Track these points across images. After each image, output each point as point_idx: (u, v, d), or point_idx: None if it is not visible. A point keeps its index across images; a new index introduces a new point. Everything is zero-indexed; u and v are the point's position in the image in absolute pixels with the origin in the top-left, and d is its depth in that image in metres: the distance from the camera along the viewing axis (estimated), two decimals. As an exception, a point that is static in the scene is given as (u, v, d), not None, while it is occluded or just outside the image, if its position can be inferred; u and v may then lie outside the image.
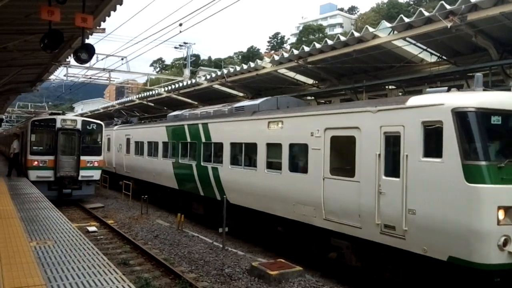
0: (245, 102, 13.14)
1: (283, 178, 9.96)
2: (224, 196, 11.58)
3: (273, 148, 10.49)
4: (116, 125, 24.54)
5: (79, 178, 17.44)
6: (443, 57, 11.10)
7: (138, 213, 16.09)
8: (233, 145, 12.18)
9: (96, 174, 18.17)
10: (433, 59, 11.30)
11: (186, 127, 14.98)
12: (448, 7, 8.73)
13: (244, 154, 11.65)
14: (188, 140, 14.71)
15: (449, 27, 8.70)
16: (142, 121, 25.39)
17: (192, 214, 15.07)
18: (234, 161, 12.10)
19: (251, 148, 11.35)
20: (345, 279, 9.11)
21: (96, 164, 18.07)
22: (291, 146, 9.85)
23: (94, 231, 12.93)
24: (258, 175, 10.87)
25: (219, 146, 12.82)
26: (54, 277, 5.08)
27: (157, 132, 17.41)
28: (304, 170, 9.34)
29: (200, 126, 13.94)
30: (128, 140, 20.95)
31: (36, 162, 16.79)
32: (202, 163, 13.61)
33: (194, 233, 12.90)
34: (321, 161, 8.75)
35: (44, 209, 9.89)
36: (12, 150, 17.89)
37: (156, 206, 17.68)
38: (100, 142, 18.57)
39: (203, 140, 13.67)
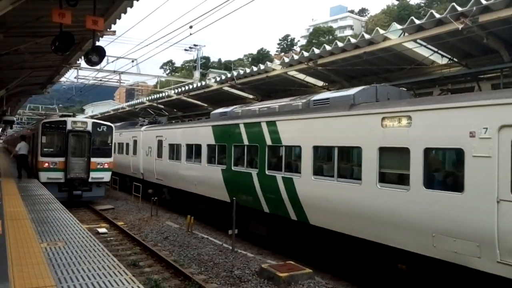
0: (329, 94, 10.17)
1: (412, 197, 7.07)
2: (234, 198, 11.36)
3: (392, 154, 7.74)
4: (142, 125, 22.05)
5: (90, 180, 17.56)
6: (454, 59, 10.98)
7: (148, 215, 16.14)
8: (318, 149, 9.50)
9: (106, 176, 18.28)
10: (444, 61, 11.19)
11: (242, 126, 12.20)
12: (459, 9, 8.62)
13: (338, 161, 8.83)
14: (245, 142, 12.02)
15: (460, 29, 8.59)
16: (173, 121, 22.93)
17: (205, 216, 15.05)
18: (320, 170, 9.39)
19: (351, 153, 8.93)
20: (356, 281, 9.03)
21: (106, 166, 18.18)
22: (428, 151, 7.04)
23: (104, 233, 13.02)
24: (364, 191, 7.98)
25: (295, 151, 10.28)
26: (64, 278, 5.09)
27: (199, 133, 14.75)
28: (456, 187, 6.56)
29: (264, 126, 11.19)
30: (159, 142, 18.23)
31: (46, 164, 16.95)
32: (266, 172, 10.93)
33: (203, 235, 12.89)
34: (492, 175, 6.01)
35: (55, 210, 9.96)
36: (15, 152, 18.00)
37: (166, 208, 17.73)
38: (110, 144, 18.67)
39: (269, 142, 10.96)
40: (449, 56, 11.01)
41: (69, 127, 17.50)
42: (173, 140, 17.00)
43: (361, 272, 9.03)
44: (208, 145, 14.09)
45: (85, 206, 17.84)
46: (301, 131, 9.96)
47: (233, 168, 12.52)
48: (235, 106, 14.31)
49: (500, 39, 9.36)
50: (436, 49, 10.82)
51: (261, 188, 11.16)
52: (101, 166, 17.97)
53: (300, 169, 9.78)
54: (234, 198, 11.43)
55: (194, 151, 15.16)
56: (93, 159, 17.68)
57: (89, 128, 17.91)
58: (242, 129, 12.20)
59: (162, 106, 26.45)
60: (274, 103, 11.99)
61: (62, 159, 17.16)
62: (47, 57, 11.53)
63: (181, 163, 15.97)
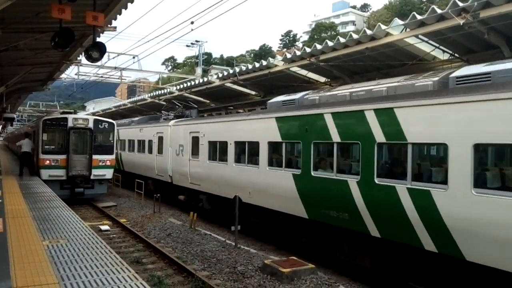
0: (485, 67, 7.27)
1: None
2: (236, 196, 11.17)
3: None
4: (167, 119, 19.33)
5: (92, 177, 17.54)
6: (456, 54, 11.00)
7: (150, 212, 16.13)
8: (485, 149, 6.67)
9: (108, 173, 18.25)
10: (446, 56, 11.19)
11: (328, 117, 9.08)
12: (460, 4, 8.61)
13: None
14: (335, 139, 8.89)
15: (461, 24, 8.58)
16: (204, 114, 20.08)
17: (205, 212, 15.03)
18: (489, 181, 6.37)
19: None
20: (357, 277, 9.03)
21: (108, 163, 18.15)
22: None
23: (107, 230, 13.00)
24: None
25: (434, 151, 7.69)
26: (67, 275, 5.05)
27: (256, 128, 11.71)
28: None
29: (371, 115, 8.13)
30: (195, 139, 15.24)
31: (48, 161, 16.92)
32: (376, 181, 7.92)
33: (206, 231, 12.88)
34: None
35: (56, 208, 9.93)
36: (19, 149, 18.01)
37: (169, 205, 17.71)
38: (112, 141, 18.63)
39: (380, 139, 7.92)
40: (451, 52, 11.01)
41: (70, 124, 17.45)
42: (215, 136, 13.92)
43: (362, 267, 9.01)
44: (270, 143, 11.01)
45: (87, 204, 17.83)
46: (447, 122, 6.79)
47: (313, 173, 9.40)
48: (305, 92, 11.12)
49: (501, 34, 9.34)
50: (437, 45, 10.80)
51: (366, 203, 8.13)
52: (103, 163, 17.93)
53: (447, 178, 6.67)
54: (237, 195, 11.24)
55: (247, 151, 12.09)
56: (95, 156, 17.63)
57: (91, 125, 17.86)
58: (329, 120, 9.06)
59: (164, 103, 26.28)
60: (377, 85, 8.97)
61: (63, 157, 17.13)
62: (47, 53, 11.47)
63: (228, 165, 12.85)
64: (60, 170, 17.00)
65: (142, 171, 20.47)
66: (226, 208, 12.44)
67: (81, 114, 23.43)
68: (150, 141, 19.60)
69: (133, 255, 10.25)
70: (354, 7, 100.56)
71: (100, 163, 17.81)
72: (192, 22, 13.04)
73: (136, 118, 24.58)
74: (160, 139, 18.38)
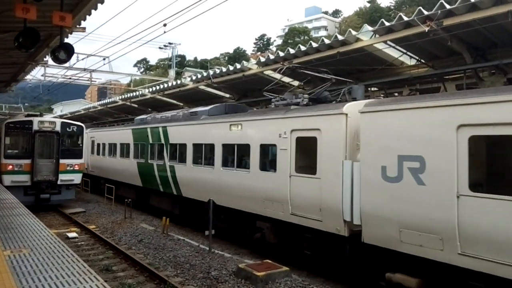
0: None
1: None
2: (210, 199, 11.17)
3: None
4: (289, 104, 11.00)
5: (58, 182, 16.97)
6: (422, 60, 11.39)
7: (121, 218, 15.72)
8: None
9: (76, 178, 17.73)
10: (412, 62, 11.58)
11: None
12: (425, 12, 8.97)
13: None
14: None
15: (426, 31, 8.93)
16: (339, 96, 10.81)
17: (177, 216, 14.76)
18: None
19: None
20: (331, 278, 9.12)
21: (76, 167, 17.64)
22: None
23: (75, 237, 12.58)
24: None
25: None
26: (30, 287, 4.83)
27: None
28: None
29: None
30: (485, 141, 6.29)
31: (10, 166, 16.26)
32: None
33: (179, 237, 12.67)
34: None
35: (19, 215, 9.49)
36: None
37: (140, 210, 17.32)
38: (80, 145, 18.11)
39: None
40: (417, 58, 11.42)
41: (35, 127, 16.85)
42: None
43: (336, 268, 9.11)
44: None
45: (54, 210, 17.21)
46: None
47: None
48: None
49: (463, 41, 9.77)
50: (405, 51, 11.18)
51: None
52: (71, 168, 17.43)
53: None
54: (211, 199, 11.20)
55: None
56: (62, 161, 17.11)
57: (58, 128, 17.31)
58: None
59: (136, 105, 25.69)
60: None
61: (27, 161, 16.49)
62: (10, 54, 11.02)
63: None
64: (24, 175, 16.36)
65: (242, 203, 11.01)
66: None
67: (47, 117, 22.60)
68: (265, 148, 10.51)
69: (102, 263, 9.95)
70: (326, 12, 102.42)
71: (68, 168, 17.31)
72: (165, 24, 12.89)
73: (200, 109, 14.52)
74: (302, 144, 9.44)
